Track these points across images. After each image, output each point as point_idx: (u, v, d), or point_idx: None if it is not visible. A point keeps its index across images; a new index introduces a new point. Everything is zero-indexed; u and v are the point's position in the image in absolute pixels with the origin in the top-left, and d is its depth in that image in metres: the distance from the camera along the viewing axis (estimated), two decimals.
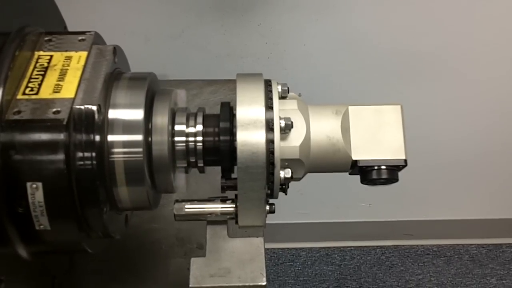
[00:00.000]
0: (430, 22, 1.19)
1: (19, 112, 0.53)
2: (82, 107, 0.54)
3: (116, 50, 0.62)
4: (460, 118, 1.42)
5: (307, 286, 1.79)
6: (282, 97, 0.62)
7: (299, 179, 0.62)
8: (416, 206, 1.72)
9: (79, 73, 0.57)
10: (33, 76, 0.57)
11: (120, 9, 1.13)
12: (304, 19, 1.17)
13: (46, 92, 0.55)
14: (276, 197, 0.61)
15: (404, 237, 1.84)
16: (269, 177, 0.58)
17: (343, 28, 1.19)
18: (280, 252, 1.83)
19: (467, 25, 1.20)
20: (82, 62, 0.59)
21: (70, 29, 0.75)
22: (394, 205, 1.69)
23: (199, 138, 0.61)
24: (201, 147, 0.61)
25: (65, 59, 0.59)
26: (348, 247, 1.85)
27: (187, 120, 0.62)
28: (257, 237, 0.64)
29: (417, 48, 1.23)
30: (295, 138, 0.59)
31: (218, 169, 0.63)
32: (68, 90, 0.55)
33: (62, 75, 0.57)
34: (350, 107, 0.62)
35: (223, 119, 0.61)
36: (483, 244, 1.86)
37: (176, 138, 0.61)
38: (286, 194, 0.62)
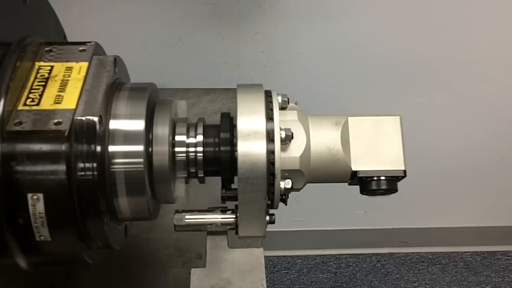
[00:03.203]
0: (427, 30, 1.20)
1: (20, 123, 0.53)
2: (84, 118, 0.54)
3: (116, 60, 0.62)
4: (455, 126, 1.43)
5: None
6: (282, 108, 0.62)
7: (299, 189, 0.62)
8: (411, 214, 1.72)
9: (80, 84, 0.57)
10: (34, 87, 0.57)
11: (117, 17, 1.13)
12: (301, 28, 1.18)
13: (47, 103, 0.55)
14: (276, 208, 0.61)
15: (399, 245, 1.84)
16: (270, 187, 0.58)
17: (339, 37, 1.20)
18: (275, 259, 1.83)
19: (464, 33, 1.21)
20: (83, 73, 0.59)
21: (67, 38, 0.75)
22: (390, 213, 1.69)
23: (200, 149, 0.61)
24: (202, 157, 0.61)
25: (66, 70, 0.59)
26: (343, 254, 1.85)
27: (188, 130, 0.62)
28: (257, 247, 0.64)
29: (414, 56, 1.24)
30: (296, 149, 0.59)
31: (216, 179, 0.63)
32: (69, 101, 0.55)
33: (63, 86, 0.57)
34: (349, 118, 0.63)
35: (224, 130, 0.61)
36: (478, 252, 1.87)
37: (177, 149, 0.61)
38: (286, 205, 0.62)
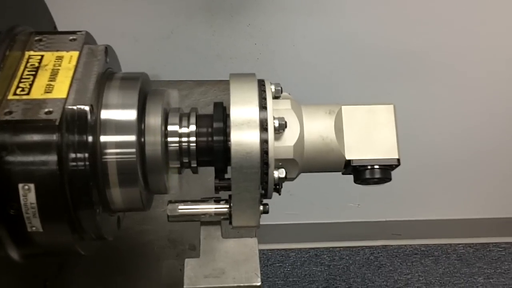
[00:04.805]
0: (421, 21, 1.20)
1: (10, 112, 0.52)
2: (75, 107, 0.54)
3: (107, 50, 0.61)
4: (449, 118, 1.44)
5: (297, 286, 1.79)
6: (276, 97, 0.61)
7: (292, 179, 0.62)
8: (404, 206, 1.73)
9: (70, 73, 0.57)
10: (24, 76, 0.56)
11: (109, 9, 1.13)
12: (294, 20, 1.17)
13: (37, 93, 0.54)
14: (270, 197, 0.61)
15: (392, 237, 1.85)
16: (263, 177, 0.58)
17: (332, 29, 1.20)
18: (269, 253, 1.83)
19: (459, 24, 1.21)
20: (74, 62, 0.58)
21: (59, 30, 0.74)
22: (383, 205, 1.70)
23: (193, 139, 0.60)
24: (195, 147, 0.60)
25: (56, 59, 0.58)
26: (337, 247, 1.85)
27: (180, 120, 0.61)
28: (251, 237, 0.64)
29: (408, 47, 1.24)
30: (289, 138, 0.59)
31: (209, 170, 0.63)
32: (60, 90, 0.55)
33: (54, 75, 0.56)
34: (343, 107, 0.63)
35: (217, 119, 0.60)
36: (470, 244, 1.88)
37: (169, 139, 0.60)
38: (279, 194, 0.62)
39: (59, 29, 0.75)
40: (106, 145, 0.56)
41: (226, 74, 0.63)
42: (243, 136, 0.57)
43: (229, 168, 0.59)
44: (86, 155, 0.54)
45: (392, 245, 1.86)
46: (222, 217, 0.63)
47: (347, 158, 0.61)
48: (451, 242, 1.87)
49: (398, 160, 0.61)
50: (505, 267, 1.85)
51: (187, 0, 1.12)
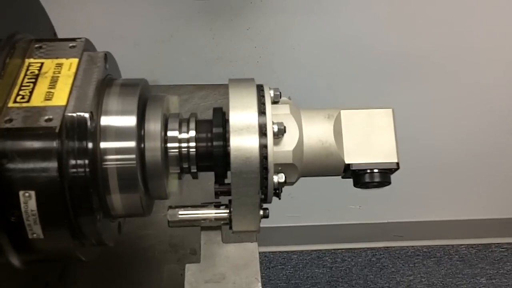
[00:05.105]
0: (420, 23, 1.20)
1: (10, 120, 0.53)
2: (74, 114, 0.54)
3: (107, 56, 0.61)
4: (448, 120, 1.44)
5: None
6: (275, 102, 0.62)
7: (292, 183, 0.62)
8: (406, 208, 1.73)
9: (70, 80, 0.57)
10: (24, 84, 0.56)
11: (109, 13, 1.13)
12: (293, 23, 1.18)
13: (37, 100, 0.55)
14: (270, 202, 0.61)
15: (394, 239, 1.85)
16: (263, 182, 0.58)
17: (331, 31, 1.20)
18: (271, 255, 1.83)
19: (458, 26, 1.21)
20: (73, 69, 0.58)
21: (58, 34, 0.75)
22: (384, 207, 1.70)
23: (192, 144, 0.61)
24: (194, 152, 0.61)
25: (56, 66, 0.58)
26: (339, 249, 1.85)
27: (180, 126, 0.61)
28: (251, 242, 0.64)
29: (407, 49, 1.24)
30: (288, 143, 0.59)
31: (209, 175, 0.63)
32: (60, 97, 0.55)
33: (53, 82, 0.57)
34: (342, 111, 0.63)
35: (216, 125, 0.61)
36: (473, 244, 1.88)
37: (169, 144, 0.60)
38: (279, 199, 0.62)
39: (58, 32, 0.75)
40: (106, 151, 0.56)
41: (226, 78, 0.63)
42: (243, 141, 0.57)
43: (229, 173, 0.59)
44: (86, 161, 0.54)
45: (394, 247, 1.86)
46: (222, 222, 0.63)
47: (346, 162, 0.61)
48: (453, 243, 1.87)
49: (397, 164, 0.62)
50: (507, 268, 1.84)
51: (187, 4, 1.12)
